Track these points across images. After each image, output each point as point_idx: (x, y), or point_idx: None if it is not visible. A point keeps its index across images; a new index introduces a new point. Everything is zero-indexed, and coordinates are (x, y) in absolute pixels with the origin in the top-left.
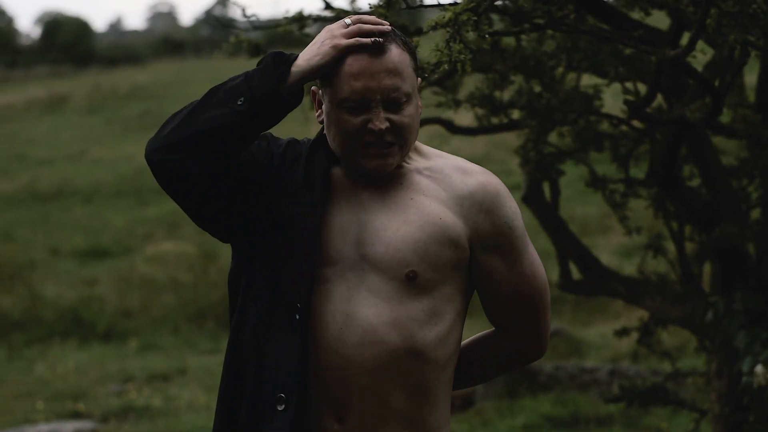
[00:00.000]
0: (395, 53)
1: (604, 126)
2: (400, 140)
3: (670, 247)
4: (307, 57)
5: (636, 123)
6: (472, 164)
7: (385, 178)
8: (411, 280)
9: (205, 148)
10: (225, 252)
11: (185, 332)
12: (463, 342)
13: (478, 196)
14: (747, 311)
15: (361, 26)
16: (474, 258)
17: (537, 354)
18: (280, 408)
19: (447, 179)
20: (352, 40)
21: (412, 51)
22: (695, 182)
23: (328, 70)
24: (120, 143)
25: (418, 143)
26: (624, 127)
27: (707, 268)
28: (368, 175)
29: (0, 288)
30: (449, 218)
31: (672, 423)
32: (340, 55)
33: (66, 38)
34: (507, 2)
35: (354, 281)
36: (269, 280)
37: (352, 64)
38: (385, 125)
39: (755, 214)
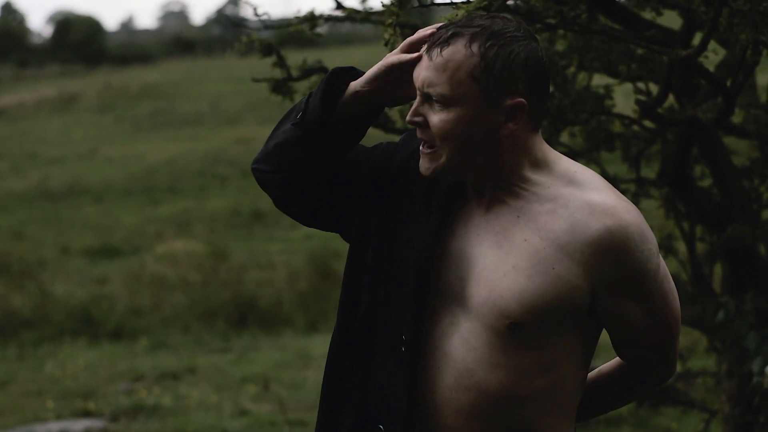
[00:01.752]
0: (450, 50)
1: (616, 126)
2: (432, 141)
3: (681, 247)
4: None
5: (647, 123)
6: (607, 197)
7: (505, 206)
8: (512, 332)
9: (282, 158)
10: (235, 251)
11: (195, 331)
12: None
13: (603, 244)
14: (758, 312)
15: (411, 40)
16: (599, 303)
17: (665, 378)
18: None
19: (571, 218)
20: (403, 47)
21: (487, 60)
22: (706, 182)
23: (382, 85)
24: (131, 142)
25: (559, 161)
26: (635, 127)
27: (718, 268)
28: (484, 194)
29: (10, 286)
30: (565, 267)
31: (682, 423)
32: (389, 69)
33: (77, 37)
34: (519, 2)
35: (457, 318)
36: (371, 296)
37: None
38: (415, 118)
39: (766, 214)
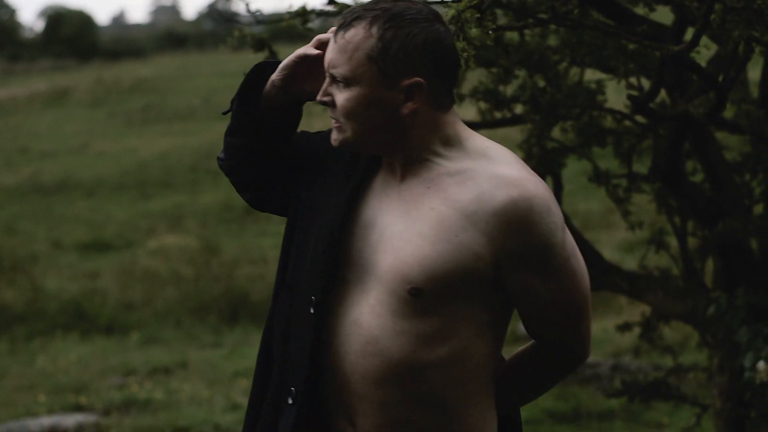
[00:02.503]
0: (351, 33)
1: (608, 121)
2: (340, 119)
3: (673, 242)
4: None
5: (639, 118)
6: (515, 170)
7: (416, 178)
8: (415, 297)
9: (227, 147)
10: (227, 245)
11: (187, 326)
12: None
13: (507, 214)
14: (749, 307)
15: (321, 36)
16: (504, 275)
17: (579, 360)
18: (290, 402)
19: (478, 188)
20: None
21: (384, 42)
22: (698, 177)
23: (293, 75)
24: (123, 137)
25: (472, 138)
26: (627, 123)
27: (710, 263)
28: (397, 167)
29: (2, 281)
30: (469, 236)
31: (673, 418)
32: (297, 59)
33: (69, 31)
34: None
35: (367, 287)
36: (292, 265)
37: None
38: (324, 98)
39: (758, 209)
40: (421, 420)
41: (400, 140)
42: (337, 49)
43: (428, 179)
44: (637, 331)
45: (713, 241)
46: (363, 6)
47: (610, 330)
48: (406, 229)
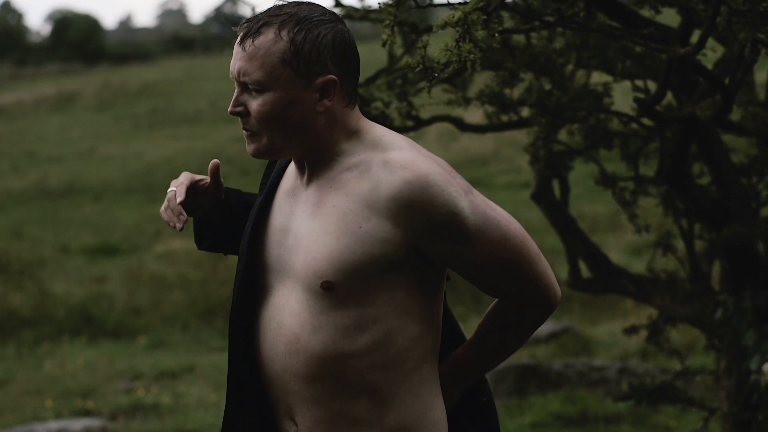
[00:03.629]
0: (261, 39)
1: (614, 124)
2: (255, 127)
3: (680, 245)
4: None
5: (646, 121)
6: (405, 154)
7: (320, 179)
8: (327, 291)
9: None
10: None
11: (194, 330)
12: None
13: (404, 196)
14: (756, 309)
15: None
16: (427, 252)
17: (546, 305)
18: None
19: (374, 178)
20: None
21: (296, 44)
22: (705, 180)
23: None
24: (130, 140)
25: (371, 130)
26: (634, 125)
27: (717, 266)
28: (305, 170)
29: (9, 285)
30: (373, 225)
31: (681, 421)
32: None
33: (76, 36)
34: (518, 0)
35: (287, 290)
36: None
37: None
38: (236, 108)
39: (765, 212)
40: (355, 410)
41: (314, 140)
42: (248, 56)
43: (330, 178)
44: (644, 334)
45: (720, 244)
46: (266, 13)
47: (618, 333)
48: (313, 228)
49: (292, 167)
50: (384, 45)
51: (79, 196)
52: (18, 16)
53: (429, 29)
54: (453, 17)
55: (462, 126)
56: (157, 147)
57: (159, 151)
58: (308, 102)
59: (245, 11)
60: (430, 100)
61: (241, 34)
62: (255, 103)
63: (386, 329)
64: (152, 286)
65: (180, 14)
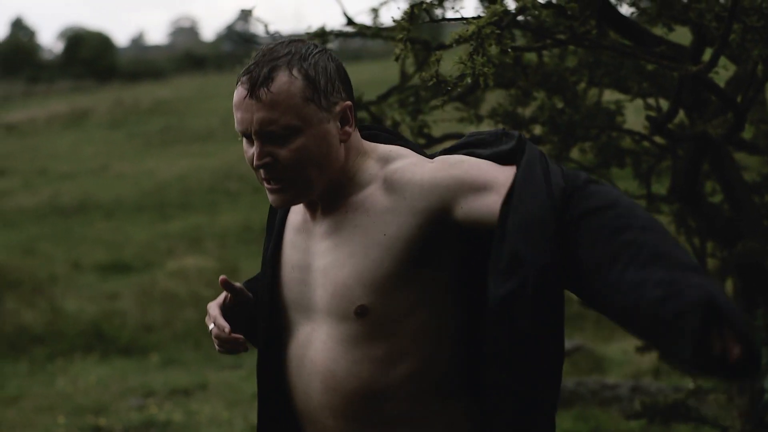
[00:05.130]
0: (277, 84)
1: (626, 142)
2: (288, 174)
3: None
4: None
5: (658, 139)
6: (412, 157)
7: (334, 207)
8: (361, 316)
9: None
10: (246, 267)
11: (207, 347)
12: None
13: (416, 184)
14: None
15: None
16: (454, 213)
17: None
18: None
19: (390, 186)
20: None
21: (311, 79)
22: (717, 198)
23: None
24: (142, 158)
25: (376, 149)
26: (646, 143)
27: (729, 284)
28: (317, 204)
29: (22, 302)
30: (395, 227)
31: None
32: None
33: (88, 53)
34: (529, 18)
35: (317, 325)
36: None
37: (235, 94)
38: (264, 160)
39: None
40: None
41: (338, 170)
42: (267, 105)
43: (345, 204)
44: (656, 352)
45: (732, 261)
46: (264, 59)
47: (630, 351)
48: (338, 257)
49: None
50: (397, 59)
51: (91, 213)
52: (30, 33)
53: (441, 47)
54: (467, 31)
55: None
56: (169, 164)
57: (171, 168)
58: (333, 133)
59: (258, 29)
60: (443, 117)
61: (246, 86)
62: (286, 150)
63: (422, 357)
64: (164, 304)
65: (192, 32)
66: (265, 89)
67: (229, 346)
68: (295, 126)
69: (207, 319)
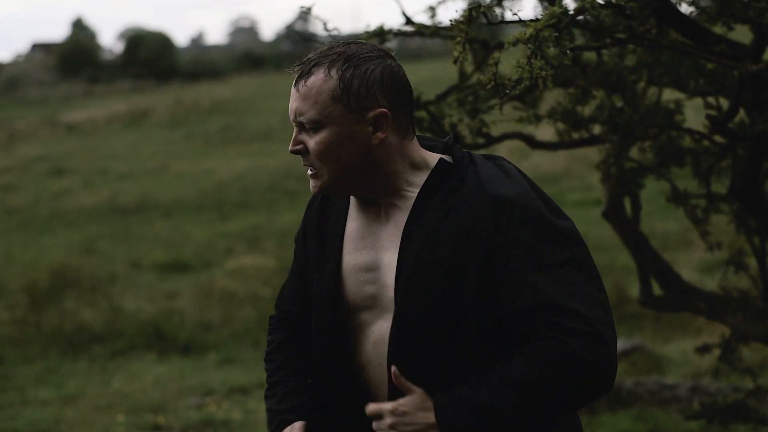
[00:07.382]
0: (312, 79)
1: (686, 141)
2: (315, 164)
3: (752, 262)
4: None
5: (718, 138)
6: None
7: (396, 210)
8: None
9: None
10: None
11: (265, 346)
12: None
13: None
14: None
15: None
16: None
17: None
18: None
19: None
20: None
21: (345, 81)
22: None
23: None
24: (201, 157)
25: (435, 159)
26: (706, 142)
27: None
28: (378, 204)
29: (81, 301)
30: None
31: None
32: None
33: (148, 53)
34: (588, 17)
35: (388, 323)
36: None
37: None
38: (296, 147)
39: None
40: None
41: (376, 174)
42: (301, 97)
43: (407, 208)
44: (716, 352)
45: None
46: (317, 54)
47: (689, 351)
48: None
49: (352, 211)
50: (455, 62)
51: (150, 212)
52: (91, 34)
53: (500, 46)
54: (524, 34)
55: (533, 143)
56: (228, 164)
57: (230, 168)
58: (362, 136)
59: (317, 28)
60: (502, 117)
61: (295, 76)
62: (312, 141)
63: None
64: (223, 303)
65: (251, 32)
66: (303, 82)
67: None
68: (318, 120)
69: None
